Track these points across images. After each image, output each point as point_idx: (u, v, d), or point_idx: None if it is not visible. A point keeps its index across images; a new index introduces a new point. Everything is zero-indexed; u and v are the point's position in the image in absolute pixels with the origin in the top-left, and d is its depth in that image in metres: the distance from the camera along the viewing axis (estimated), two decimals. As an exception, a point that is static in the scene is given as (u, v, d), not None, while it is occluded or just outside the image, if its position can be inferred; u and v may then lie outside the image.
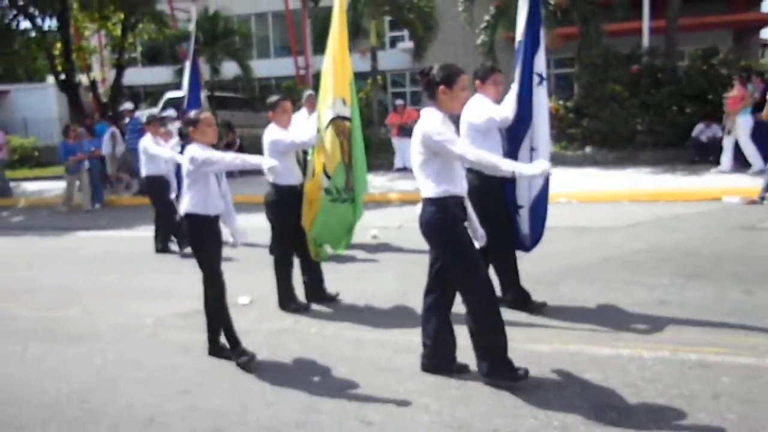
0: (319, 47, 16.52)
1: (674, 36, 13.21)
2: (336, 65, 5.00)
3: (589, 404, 3.34)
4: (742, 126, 10.67)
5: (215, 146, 4.26)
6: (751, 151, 10.71)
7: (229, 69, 18.40)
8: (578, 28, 13.62)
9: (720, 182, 10.21)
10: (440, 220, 3.51)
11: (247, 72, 17.03)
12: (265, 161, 4.06)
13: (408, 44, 18.73)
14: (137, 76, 27.41)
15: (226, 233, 4.38)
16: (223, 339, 4.23)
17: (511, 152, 4.50)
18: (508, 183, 4.50)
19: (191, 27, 9.13)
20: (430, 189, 3.53)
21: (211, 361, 4.25)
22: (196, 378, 3.97)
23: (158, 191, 7.96)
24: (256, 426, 3.33)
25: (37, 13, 15.55)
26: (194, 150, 4.11)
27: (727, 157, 11.07)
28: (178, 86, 18.22)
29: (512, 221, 4.71)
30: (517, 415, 3.27)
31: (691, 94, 12.41)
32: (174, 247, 8.04)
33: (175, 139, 8.21)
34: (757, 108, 10.46)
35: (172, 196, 7.91)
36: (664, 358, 3.84)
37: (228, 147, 13.80)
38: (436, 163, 3.49)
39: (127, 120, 14.01)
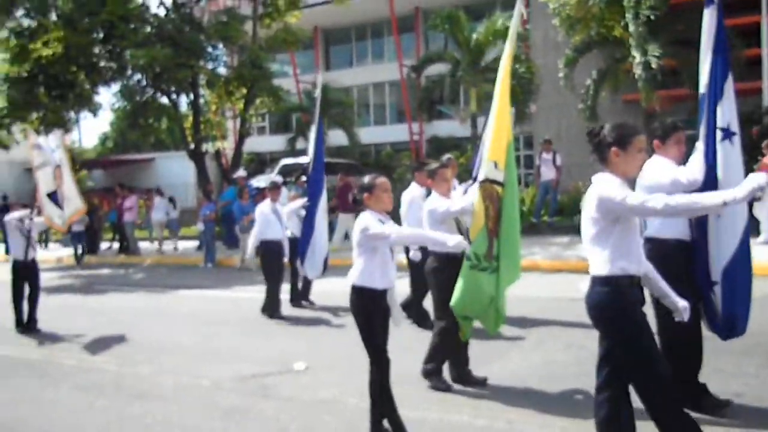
0: (421, 114, 16.99)
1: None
2: (496, 125, 4.83)
3: None
4: None
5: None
6: None
7: (336, 137, 19.33)
8: (688, 90, 12.94)
9: None
10: (614, 302, 3.06)
11: (352, 138, 17.80)
12: (450, 239, 3.80)
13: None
14: (268, 143, 29.45)
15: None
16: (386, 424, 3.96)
17: (702, 221, 3.99)
18: (697, 255, 3.98)
19: (317, 94, 9.58)
20: (602, 265, 3.08)
21: (245, 427, 4.36)
22: (226, 443, 4.09)
23: (272, 256, 8.09)
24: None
25: (172, 89, 17.44)
26: (367, 220, 3.87)
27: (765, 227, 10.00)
28: (290, 153, 19.55)
29: (707, 301, 4.01)
30: None
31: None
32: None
33: (302, 200, 8.44)
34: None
35: (285, 259, 8.24)
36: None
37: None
38: (612, 235, 3.05)
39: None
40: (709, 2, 4.06)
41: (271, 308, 7.98)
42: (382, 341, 3.92)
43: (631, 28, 12.43)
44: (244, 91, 17.62)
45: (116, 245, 17.76)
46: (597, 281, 3.10)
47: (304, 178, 16.49)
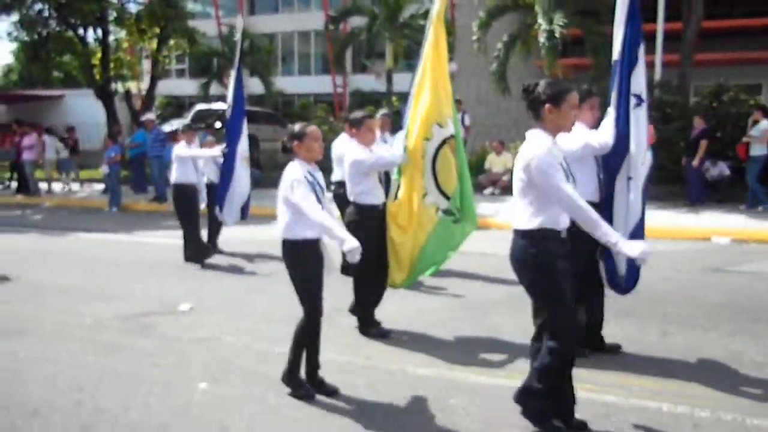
0: (337, 67, 16.94)
1: (687, 71, 13.03)
2: (437, 83, 4.84)
3: None
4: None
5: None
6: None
7: (255, 85, 19.05)
8: (590, 60, 13.58)
9: (715, 222, 10.00)
10: (535, 256, 3.18)
11: (269, 87, 17.60)
12: (347, 241, 3.68)
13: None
14: (187, 87, 28.45)
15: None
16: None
17: (608, 182, 4.22)
18: (604, 216, 4.05)
19: (237, 38, 9.31)
20: (525, 220, 3.21)
21: (119, 361, 4.53)
22: (94, 376, 4.26)
23: (187, 201, 7.88)
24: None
25: (78, 22, 16.55)
26: (295, 172, 3.77)
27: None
28: (204, 99, 19.10)
29: (608, 259, 4.25)
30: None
31: (711, 130, 12.16)
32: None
33: (221, 146, 8.31)
34: None
35: (202, 205, 8.09)
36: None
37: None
38: (531, 193, 3.18)
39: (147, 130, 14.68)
40: None
41: (198, 254, 7.79)
42: (318, 291, 3.87)
43: (537, -6, 12.84)
44: (157, 30, 16.98)
45: (14, 184, 16.99)
46: (519, 234, 3.24)
47: (218, 125, 16.33)
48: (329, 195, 5.22)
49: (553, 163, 3.12)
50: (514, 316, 5.42)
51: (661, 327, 5.10)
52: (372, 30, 15.11)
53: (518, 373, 3.79)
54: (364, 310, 5.06)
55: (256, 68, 18.53)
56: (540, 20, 12.93)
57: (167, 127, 17.54)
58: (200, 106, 19.44)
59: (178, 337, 5.07)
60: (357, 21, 18.00)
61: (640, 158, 4.17)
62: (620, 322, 5.00)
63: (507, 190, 13.18)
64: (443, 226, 4.91)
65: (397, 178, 5.03)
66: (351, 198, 4.98)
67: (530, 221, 3.19)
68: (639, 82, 4.18)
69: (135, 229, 10.80)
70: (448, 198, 4.87)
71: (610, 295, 4.54)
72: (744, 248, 8.55)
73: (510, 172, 13.36)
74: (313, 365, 3.96)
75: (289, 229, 3.83)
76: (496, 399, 3.79)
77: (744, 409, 3.64)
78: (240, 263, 7.90)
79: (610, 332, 4.64)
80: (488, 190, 13.19)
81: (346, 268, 6.31)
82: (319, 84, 29.96)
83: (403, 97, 18.73)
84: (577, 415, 3.40)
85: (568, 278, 3.22)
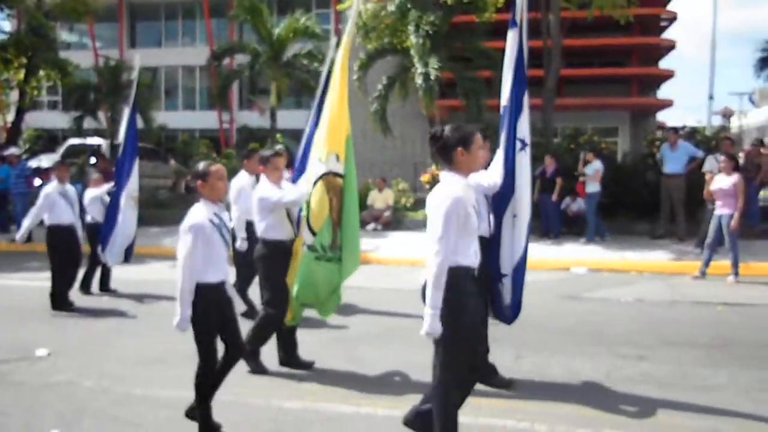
0: (220, 103, 16.89)
1: (549, 115, 14.19)
2: (332, 119, 4.86)
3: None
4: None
5: None
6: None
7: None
8: (462, 102, 14.48)
9: (575, 253, 10.85)
10: (447, 293, 3.19)
11: (147, 122, 17.15)
12: (176, 316, 3.67)
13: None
14: (60, 120, 26.98)
15: None
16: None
17: (496, 219, 4.39)
18: (492, 251, 4.35)
19: (134, 75, 9.05)
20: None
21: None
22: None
23: (58, 242, 7.30)
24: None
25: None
26: (198, 215, 3.71)
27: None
28: (77, 133, 18.26)
29: (495, 292, 4.42)
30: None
31: (564, 169, 13.26)
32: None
33: (108, 185, 8.10)
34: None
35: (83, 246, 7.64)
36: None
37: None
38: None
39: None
40: (513, 24, 4.47)
41: (59, 301, 7.29)
42: (213, 338, 3.79)
43: (414, 40, 13.59)
44: (24, 60, 16.09)
45: None
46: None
47: (93, 160, 15.61)
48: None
49: (458, 208, 3.18)
50: (382, 348, 5.64)
51: (516, 351, 5.49)
52: (254, 68, 15.22)
53: (380, 401, 3.95)
54: (258, 342, 5.00)
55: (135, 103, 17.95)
56: (416, 63, 13.64)
57: (35, 163, 16.57)
58: (72, 141, 18.56)
59: (29, 382, 4.80)
60: (242, 58, 18.03)
61: (525, 197, 4.41)
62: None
63: (388, 225, 13.62)
64: (304, 262, 4.81)
65: (305, 213, 4.97)
66: (258, 234, 5.03)
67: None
68: (523, 128, 4.44)
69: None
70: (314, 234, 4.83)
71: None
72: (598, 277, 9.36)
73: (391, 208, 13.88)
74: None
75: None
76: (356, 427, 3.92)
77: (578, 421, 4.01)
78: (110, 303, 7.59)
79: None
80: (371, 226, 13.52)
81: (248, 313, 6.30)
82: (205, 119, 29.49)
83: (288, 133, 18.94)
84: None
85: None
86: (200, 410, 3.82)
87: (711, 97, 21.05)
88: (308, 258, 4.78)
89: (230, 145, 24.41)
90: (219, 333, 3.82)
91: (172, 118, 27.14)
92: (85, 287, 8.07)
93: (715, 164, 10.36)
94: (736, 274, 8.51)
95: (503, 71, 4.51)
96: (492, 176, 4.42)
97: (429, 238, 3.25)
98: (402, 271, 9.85)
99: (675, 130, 12.01)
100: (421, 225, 13.60)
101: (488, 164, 4.54)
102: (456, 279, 3.21)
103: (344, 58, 5.00)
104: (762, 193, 12.52)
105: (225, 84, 16.78)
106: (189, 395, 4.10)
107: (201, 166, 3.85)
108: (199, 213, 3.73)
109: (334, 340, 5.98)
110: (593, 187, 11.63)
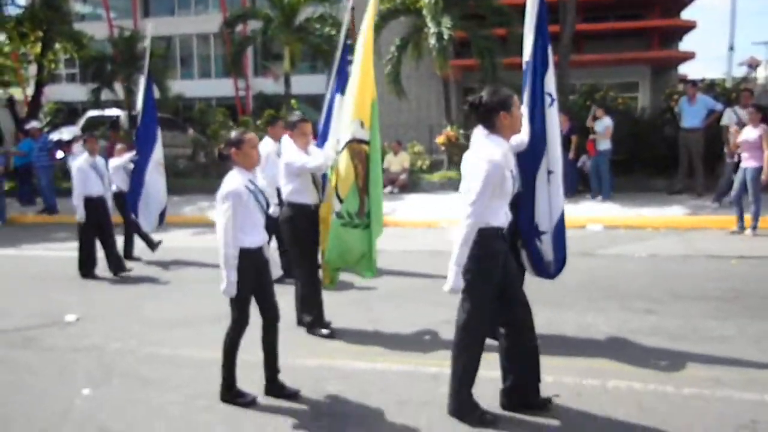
0: (235, 70, 16.93)
1: (565, 72, 13.97)
2: (360, 86, 4.85)
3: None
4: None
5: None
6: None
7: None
8: (477, 61, 14.31)
9: (591, 211, 10.84)
10: (477, 251, 3.30)
11: (164, 92, 17.25)
12: (223, 281, 3.71)
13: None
14: (79, 93, 27.22)
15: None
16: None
17: (528, 177, 4.28)
18: (526, 209, 4.33)
19: (147, 43, 9.13)
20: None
21: (-1, 375, 4.48)
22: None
23: (89, 213, 7.46)
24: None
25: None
26: (233, 182, 3.75)
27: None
28: (95, 105, 18.45)
29: (533, 249, 4.40)
30: None
31: (578, 127, 13.16)
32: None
33: (130, 154, 8.28)
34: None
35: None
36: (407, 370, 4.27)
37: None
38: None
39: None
40: None
41: (86, 266, 7.56)
42: (248, 301, 3.84)
43: (426, 0, 13.41)
44: (40, 34, 16.20)
45: None
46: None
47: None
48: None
49: (497, 173, 3.24)
50: (399, 307, 5.80)
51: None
52: (267, 33, 15.16)
53: (395, 357, 4.10)
54: (309, 310, 5.09)
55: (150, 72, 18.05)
56: (429, 23, 13.48)
57: (56, 135, 16.82)
58: (92, 113, 18.76)
59: (59, 346, 5.05)
60: (255, 24, 17.95)
61: (558, 152, 4.36)
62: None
63: (404, 188, 13.69)
64: (333, 229, 4.88)
65: (331, 177, 5.04)
66: (284, 197, 5.11)
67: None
68: (550, 82, 4.37)
69: (22, 243, 10.35)
70: (341, 201, 4.87)
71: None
72: (614, 234, 9.38)
73: (407, 171, 13.93)
74: (273, 370, 4.00)
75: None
76: (370, 381, 4.09)
77: (586, 372, 4.13)
78: (135, 271, 7.80)
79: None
80: (387, 189, 13.60)
81: (287, 273, 6.35)
82: (221, 87, 29.49)
83: (303, 99, 18.96)
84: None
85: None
86: (224, 371, 3.91)
87: (731, 48, 20.55)
88: (336, 225, 4.85)
89: (247, 112, 24.44)
90: (255, 296, 3.90)
91: (188, 87, 27.22)
92: (129, 256, 8.31)
93: (734, 117, 10.22)
94: (755, 227, 8.47)
95: (524, 26, 4.43)
96: (518, 135, 4.36)
97: (463, 197, 3.31)
98: (418, 233, 9.97)
99: (693, 83, 11.77)
100: (437, 187, 13.76)
101: None
102: (487, 239, 3.31)
103: (370, 22, 4.96)
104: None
105: (238, 51, 16.75)
106: (212, 355, 4.30)
107: (234, 134, 3.90)
108: (234, 180, 3.77)
109: (353, 300, 6.14)
110: (604, 144, 11.53)
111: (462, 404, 3.51)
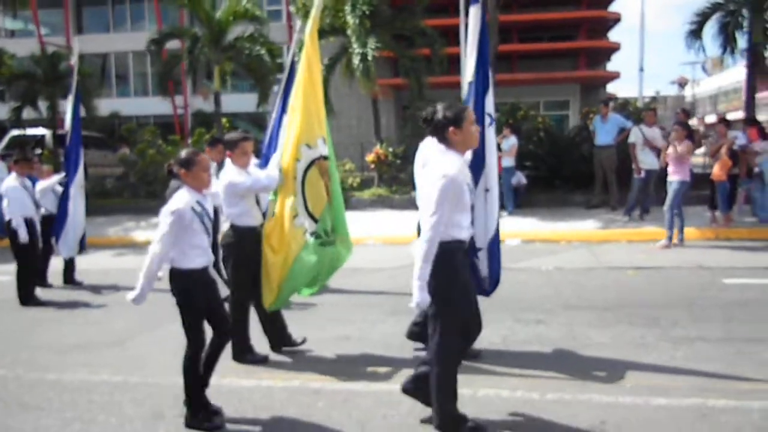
0: (162, 89, 16.82)
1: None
2: (309, 103, 4.80)
3: None
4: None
5: None
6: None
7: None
8: (404, 80, 14.62)
9: (510, 225, 11.12)
10: (441, 264, 3.33)
11: (90, 111, 16.92)
12: (133, 291, 3.68)
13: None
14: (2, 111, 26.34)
15: None
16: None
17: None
18: None
19: (73, 61, 8.98)
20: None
21: None
22: None
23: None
24: None
25: None
26: (179, 201, 3.67)
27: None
28: (16, 124, 17.91)
29: (471, 266, 4.42)
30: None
31: (497, 145, 13.59)
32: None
33: (59, 176, 8.07)
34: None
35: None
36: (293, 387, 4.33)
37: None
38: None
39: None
40: (474, 1, 4.54)
41: (25, 295, 7.22)
42: (201, 322, 3.81)
43: (350, 20, 13.64)
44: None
45: None
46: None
47: (38, 151, 15.39)
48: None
49: (452, 187, 3.29)
50: (346, 324, 5.84)
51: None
52: (193, 53, 15.12)
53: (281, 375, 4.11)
54: (241, 335, 4.91)
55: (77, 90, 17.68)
56: (354, 44, 13.72)
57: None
58: (15, 132, 18.28)
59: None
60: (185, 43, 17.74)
61: (494, 171, 4.52)
62: (402, 321, 5.39)
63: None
64: (310, 250, 4.81)
65: (273, 198, 4.96)
66: (228, 220, 4.93)
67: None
68: (490, 103, 4.54)
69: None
70: (316, 221, 4.83)
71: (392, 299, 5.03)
72: (530, 247, 9.69)
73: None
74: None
75: (175, 258, 3.76)
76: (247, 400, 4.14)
77: (475, 383, 4.27)
78: (51, 295, 7.61)
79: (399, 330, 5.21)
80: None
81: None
82: (159, 105, 28.84)
83: (243, 116, 18.89)
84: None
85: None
86: (190, 394, 3.82)
87: (641, 69, 21.67)
88: (313, 246, 4.78)
89: (185, 130, 24.11)
90: (206, 316, 3.85)
91: (125, 105, 26.72)
92: (42, 281, 7.95)
93: (639, 135, 10.74)
94: (670, 238, 8.90)
95: (466, 47, 4.51)
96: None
97: (423, 213, 3.38)
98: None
99: (605, 102, 12.32)
100: (367, 204, 13.87)
101: None
102: (449, 252, 3.36)
103: (312, 40, 4.94)
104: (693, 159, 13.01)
105: (165, 70, 16.63)
106: (96, 378, 4.29)
107: (184, 154, 3.81)
108: (182, 199, 3.71)
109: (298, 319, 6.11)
110: (508, 161, 11.95)
111: (446, 418, 3.47)
